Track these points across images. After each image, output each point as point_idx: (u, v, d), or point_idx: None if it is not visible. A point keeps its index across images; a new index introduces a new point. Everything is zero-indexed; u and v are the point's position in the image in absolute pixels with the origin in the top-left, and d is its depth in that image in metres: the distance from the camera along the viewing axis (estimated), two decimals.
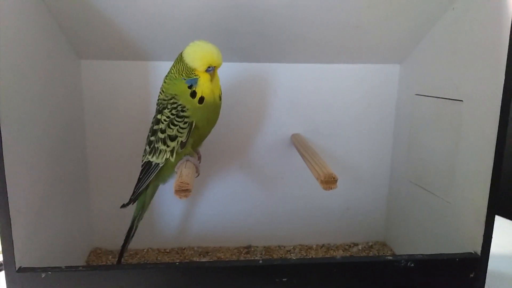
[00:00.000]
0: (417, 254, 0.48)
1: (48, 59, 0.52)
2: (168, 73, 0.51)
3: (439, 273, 0.48)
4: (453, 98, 0.53)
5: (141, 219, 0.57)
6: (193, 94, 0.48)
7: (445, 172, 0.55)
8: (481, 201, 0.48)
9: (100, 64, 0.63)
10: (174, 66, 0.50)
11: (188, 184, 0.42)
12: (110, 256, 0.67)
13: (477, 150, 0.49)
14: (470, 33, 0.50)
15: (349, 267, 0.47)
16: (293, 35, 0.58)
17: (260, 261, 0.46)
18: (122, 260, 0.59)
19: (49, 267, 0.44)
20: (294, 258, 0.68)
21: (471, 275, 0.49)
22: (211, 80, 0.49)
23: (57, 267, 0.44)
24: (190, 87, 0.48)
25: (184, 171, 0.46)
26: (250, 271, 0.46)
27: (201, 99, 0.49)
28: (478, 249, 0.49)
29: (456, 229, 0.53)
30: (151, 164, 0.51)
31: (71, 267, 0.44)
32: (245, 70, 0.65)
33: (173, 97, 0.49)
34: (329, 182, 0.44)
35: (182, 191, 0.42)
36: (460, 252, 0.50)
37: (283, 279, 0.46)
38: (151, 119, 0.55)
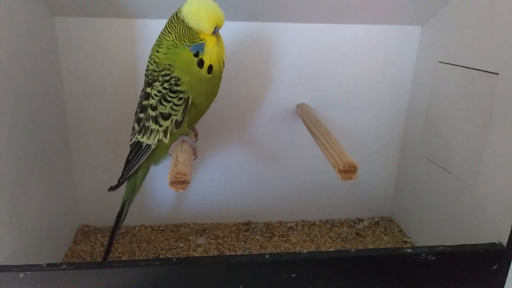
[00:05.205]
0: (438, 246, 0.44)
1: (15, 17, 0.43)
2: (162, 40, 0.42)
3: (460, 265, 0.44)
4: (486, 70, 0.47)
5: (132, 202, 0.51)
6: (201, 63, 0.41)
7: (469, 152, 0.50)
8: (511, 187, 0.43)
9: (77, 22, 0.54)
10: (170, 32, 0.42)
11: (185, 174, 0.36)
12: (99, 235, 0.62)
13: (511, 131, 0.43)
14: None
15: (365, 261, 0.42)
16: None
17: (267, 256, 0.41)
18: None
19: (27, 265, 0.38)
20: (296, 233, 0.64)
21: (494, 267, 0.45)
22: (217, 43, 0.42)
23: (37, 265, 0.38)
24: (196, 54, 0.41)
25: (180, 156, 0.39)
26: (255, 267, 0.41)
27: (210, 69, 0.42)
28: (503, 240, 0.44)
29: (478, 215, 0.48)
30: (142, 145, 0.44)
31: (52, 264, 0.39)
32: (246, 31, 0.57)
33: (166, 68, 0.42)
34: (348, 171, 0.38)
35: (179, 182, 0.36)
36: (482, 241, 0.46)
37: (292, 275, 0.41)
38: (139, 86, 0.48)
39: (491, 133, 0.46)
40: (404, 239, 0.63)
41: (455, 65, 0.52)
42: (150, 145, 0.44)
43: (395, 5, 0.55)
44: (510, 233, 0.44)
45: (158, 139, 0.43)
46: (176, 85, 0.41)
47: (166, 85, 0.41)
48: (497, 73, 0.45)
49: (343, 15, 0.57)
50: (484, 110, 0.47)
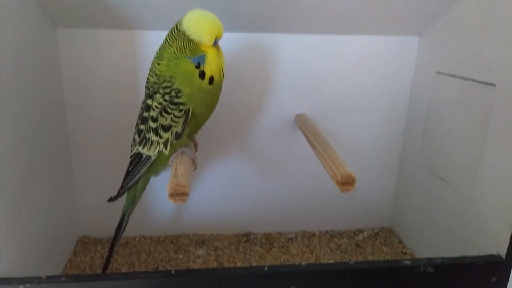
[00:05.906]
0: (437, 258, 0.44)
1: (18, 28, 0.44)
2: (162, 52, 0.43)
3: (459, 277, 0.44)
4: (483, 81, 0.47)
5: (132, 213, 0.51)
6: (202, 75, 0.42)
7: (467, 163, 0.50)
8: (509, 199, 0.43)
9: (79, 33, 0.54)
10: (171, 45, 0.42)
11: (184, 186, 0.36)
12: (99, 246, 0.62)
13: (508, 142, 0.43)
14: (508, 4, 0.43)
15: (364, 273, 0.42)
16: (301, 2, 0.50)
17: (266, 268, 0.41)
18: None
19: (27, 277, 0.38)
20: (296, 244, 0.64)
21: (493, 279, 0.45)
22: (217, 54, 0.43)
23: (37, 277, 0.38)
24: (197, 66, 0.41)
25: (179, 168, 0.40)
26: (254, 279, 0.41)
27: (211, 80, 0.42)
28: (502, 252, 0.44)
29: (477, 226, 0.48)
30: (142, 157, 0.44)
31: (52, 277, 0.39)
32: (245, 42, 0.58)
33: (167, 80, 0.42)
34: (346, 183, 0.39)
35: (178, 194, 0.36)
36: (481, 253, 0.46)
37: (291, 287, 0.41)
38: (140, 97, 0.48)
39: (489, 144, 0.46)
40: (404, 250, 0.63)
41: (453, 75, 0.53)
42: (150, 156, 0.44)
43: (393, 15, 0.55)
44: (509, 245, 0.44)
45: (158, 151, 0.43)
46: (177, 97, 0.41)
47: (166, 97, 0.42)
48: (493, 84, 0.46)
49: (341, 25, 0.57)
50: (482, 120, 0.47)
